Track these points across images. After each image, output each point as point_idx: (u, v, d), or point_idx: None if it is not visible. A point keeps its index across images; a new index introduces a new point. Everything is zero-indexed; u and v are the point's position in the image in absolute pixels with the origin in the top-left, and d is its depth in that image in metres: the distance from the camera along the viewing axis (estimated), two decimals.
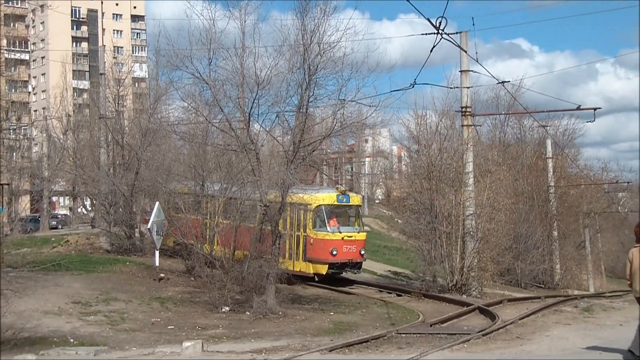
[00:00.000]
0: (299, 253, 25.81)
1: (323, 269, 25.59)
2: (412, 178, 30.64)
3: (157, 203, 24.40)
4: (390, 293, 26.22)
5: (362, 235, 27.12)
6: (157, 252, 24.22)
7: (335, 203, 26.02)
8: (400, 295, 25.57)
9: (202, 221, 23.53)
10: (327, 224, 25.75)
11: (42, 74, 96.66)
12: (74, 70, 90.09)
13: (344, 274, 28.19)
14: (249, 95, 19.75)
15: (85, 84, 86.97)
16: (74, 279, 23.06)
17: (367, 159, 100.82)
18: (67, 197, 73.13)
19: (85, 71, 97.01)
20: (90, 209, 58.06)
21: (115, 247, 31.72)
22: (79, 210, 65.08)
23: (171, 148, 28.16)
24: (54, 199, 71.43)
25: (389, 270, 39.12)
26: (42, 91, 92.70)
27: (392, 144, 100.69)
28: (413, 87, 22.09)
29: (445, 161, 27.90)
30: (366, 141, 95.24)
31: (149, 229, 23.96)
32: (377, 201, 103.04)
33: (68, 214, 69.20)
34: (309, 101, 19.47)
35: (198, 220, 23.70)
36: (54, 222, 59.25)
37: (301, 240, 25.79)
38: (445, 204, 26.72)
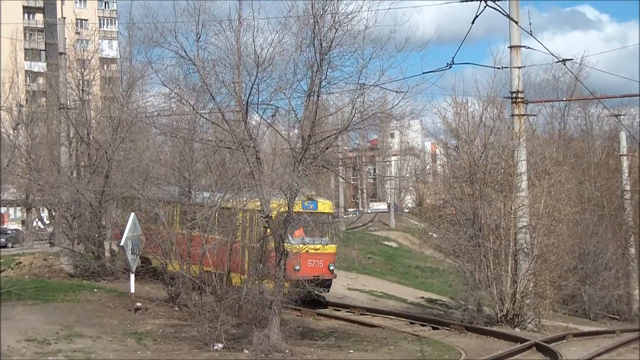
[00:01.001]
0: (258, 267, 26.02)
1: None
2: (450, 181, 30.67)
3: (132, 214, 24.53)
4: (424, 325, 26.27)
5: (331, 248, 27.55)
6: (132, 276, 24.33)
7: (300, 210, 26.24)
8: (436, 329, 25.62)
9: (188, 236, 23.65)
10: (289, 235, 26.03)
11: None
12: (26, 49, 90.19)
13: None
14: (247, 79, 19.82)
15: (41, 66, 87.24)
16: (28, 310, 23.20)
17: (393, 158, 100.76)
18: (18, 208, 73.45)
19: (41, 50, 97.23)
20: (48, 222, 58.23)
21: (79, 269, 31.87)
22: (34, 224, 65.36)
23: (150, 145, 28.31)
24: (3, 210, 71.75)
25: (422, 297, 39.18)
26: None
27: (424, 139, 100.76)
28: (450, 67, 22.15)
29: (491, 160, 27.92)
30: (392, 136, 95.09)
31: (121, 246, 24.09)
32: (406, 210, 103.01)
33: (20, 228, 69.42)
34: (321, 86, 19.52)
35: (184, 235, 23.81)
36: (2, 240, 59.45)
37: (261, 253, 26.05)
38: (491, 214, 26.74)
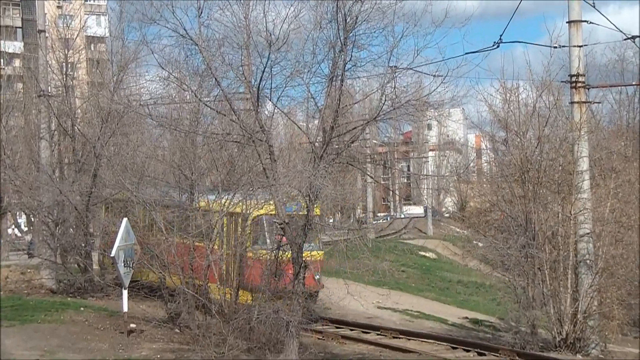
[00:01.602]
0: (234, 277, 26.14)
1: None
2: (497, 181, 30.62)
3: (125, 220, 24.64)
4: (467, 351, 26.25)
5: (316, 255, 27.52)
6: (125, 292, 24.45)
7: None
8: (482, 354, 25.60)
9: (191, 246, 23.76)
10: (268, 240, 26.03)
11: None
12: None
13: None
14: (258, 62, 19.92)
15: (17, 46, 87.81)
16: (3, 333, 23.26)
17: (430, 154, 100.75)
18: None
19: (17, 27, 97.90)
20: (26, 229, 58.58)
21: (64, 285, 32.05)
22: (10, 231, 65.77)
23: (145, 139, 28.41)
24: None
25: (466, 317, 39.15)
26: None
27: (467, 130, 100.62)
28: (498, 47, 22.24)
29: (547, 155, 27.85)
30: (429, 127, 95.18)
31: (113, 257, 24.22)
32: (446, 215, 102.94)
33: None
34: (345, 69, 19.56)
35: (186, 245, 23.91)
36: None
37: (237, 261, 26.17)
38: (547, 219, 26.67)
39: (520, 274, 27.27)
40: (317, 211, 29.07)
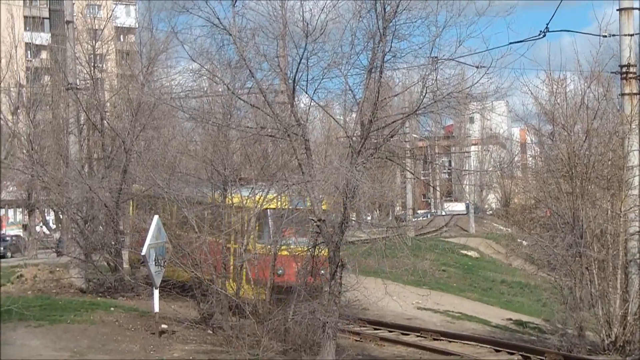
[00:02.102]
0: (243, 273, 26.17)
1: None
2: (543, 176, 30.45)
3: (156, 217, 24.76)
4: (512, 353, 26.17)
5: (324, 251, 27.44)
6: (156, 292, 24.57)
7: (286, 207, 26.21)
8: (527, 357, 25.51)
9: (224, 245, 23.81)
10: (273, 235, 26.02)
11: None
12: (25, 17, 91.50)
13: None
14: (294, 53, 19.94)
15: (44, 38, 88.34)
16: (32, 333, 23.54)
17: (473, 148, 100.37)
18: (19, 210, 74.55)
19: (44, 18, 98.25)
20: (54, 227, 58.99)
21: (93, 284, 32.23)
22: (38, 229, 66.28)
23: (176, 133, 28.52)
24: (1, 212, 72.89)
25: (509, 319, 39.00)
26: None
27: (511, 124, 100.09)
28: (544, 36, 22.02)
29: (595, 150, 27.64)
30: (472, 121, 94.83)
31: (143, 256, 24.34)
32: (489, 212, 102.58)
33: (22, 234, 70.55)
34: (384, 60, 19.50)
35: (219, 243, 23.98)
36: (0, 248, 60.46)
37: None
38: (596, 217, 26.48)
39: (567, 273, 27.10)
40: (325, 205, 29.19)
